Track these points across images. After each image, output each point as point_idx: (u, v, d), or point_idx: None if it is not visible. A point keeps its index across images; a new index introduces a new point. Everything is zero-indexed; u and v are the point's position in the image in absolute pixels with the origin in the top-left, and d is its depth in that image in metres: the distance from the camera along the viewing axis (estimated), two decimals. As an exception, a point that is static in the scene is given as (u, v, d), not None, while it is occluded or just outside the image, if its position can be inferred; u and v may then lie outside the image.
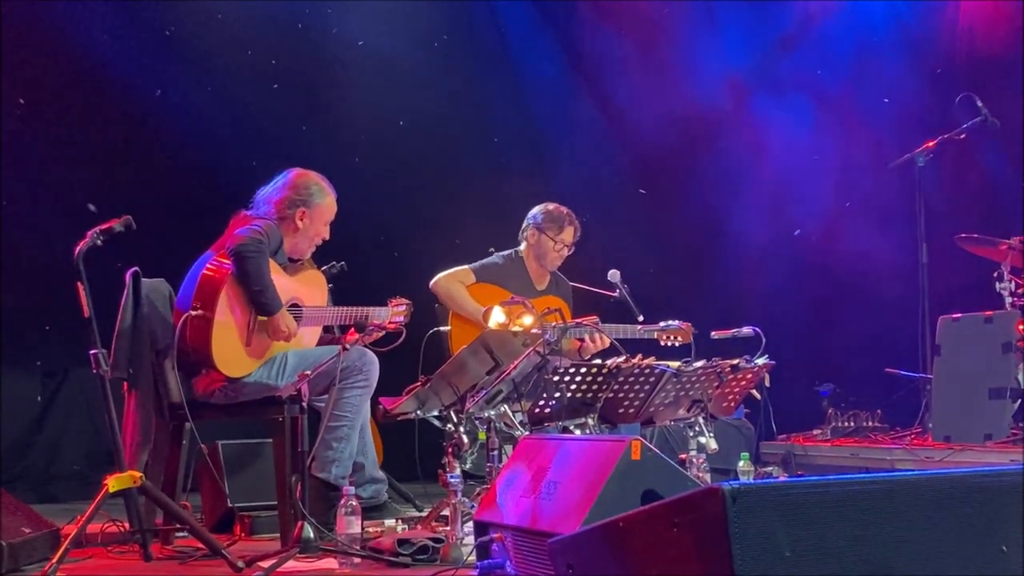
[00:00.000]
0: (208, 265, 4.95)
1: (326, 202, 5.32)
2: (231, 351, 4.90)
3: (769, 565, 2.36)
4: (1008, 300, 6.55)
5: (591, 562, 2.84)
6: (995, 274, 6.64)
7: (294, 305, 5.14)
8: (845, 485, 2.52)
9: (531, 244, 6.34)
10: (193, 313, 4.84)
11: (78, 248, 4.38)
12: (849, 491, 2.51)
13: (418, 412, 4.94)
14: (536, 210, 6.37)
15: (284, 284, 5.07)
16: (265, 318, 4.98)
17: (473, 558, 3.99)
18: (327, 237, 5.37)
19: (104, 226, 4.47)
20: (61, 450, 7.52)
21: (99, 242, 4.43)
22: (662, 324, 6.05)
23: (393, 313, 5.30)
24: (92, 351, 4.40)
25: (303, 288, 5.22)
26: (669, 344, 6.05)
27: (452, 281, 6.20)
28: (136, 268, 4.97)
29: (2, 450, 7.19)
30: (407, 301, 5.38)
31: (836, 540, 2.45)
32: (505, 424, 4.86)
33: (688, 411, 5.26)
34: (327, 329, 5.45)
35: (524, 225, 6.38)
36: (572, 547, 2.94)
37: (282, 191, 5.25)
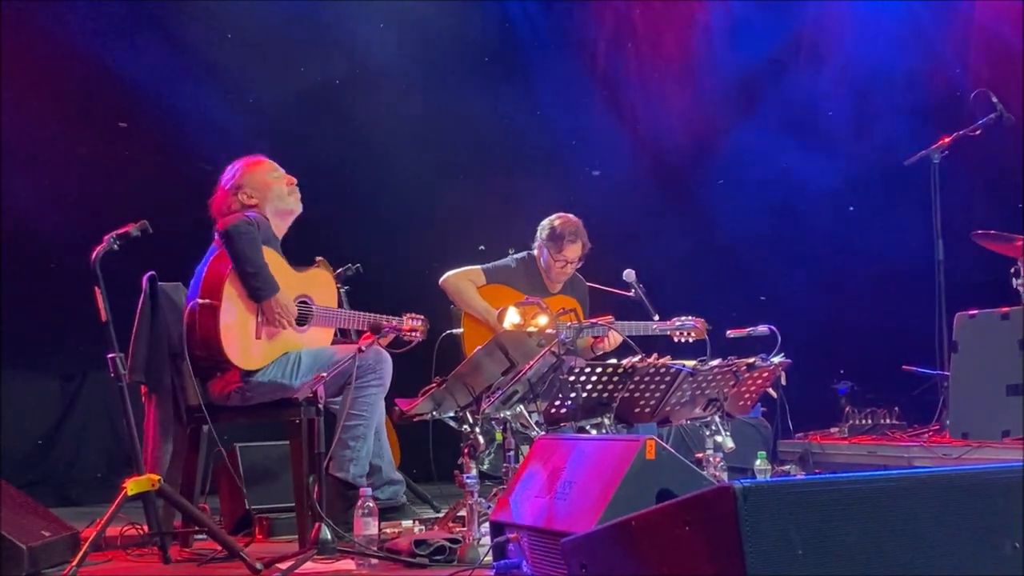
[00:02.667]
0: (213, 258, 4.97)
1: (251, 171, 5.24)
2: (240, 340, 4.90)
3: (781, 564, 2.37)
4: (1025, 296, 6.53)
5: (604, 561, 2.85)
6: (1012, 270, 6.61)
7: (303, 302, 5.13)
8: (857, 483, 2.52)
9: (539, 256, 6.38)
10: (200, 302, 4.86)
11: (95, 252, 4.41)
12: (861, 489, 2.51)
13: (434, 413, 4.95)
14: (544, 223, 6.40)
15: (292, 280, 5.07)
16: (261, 302, 4.95)
17: (490, 558, 4.00)
18: (292, 181, 5.27)
19: (121, 231, 4.50)
20: (80, 454, 7.57)
21: (116, 246, 4.47)
22: (677, 322, 6.06)
23: (409, 327, 5.30)
24: (110, 355, 4.43)
25: (312, 286, 5.20)
26: (683, 340, 6.05)
27: (462, 279, 6.22)
28: (153, 272, 4.99)
29: (22, 454, 7.24)
30: (422, 316, 5.37)
31: (848, 538, 2.45)
32: (521, 424, 4.87)
33: (704, 410, 5.25)
34: (344, 333, 5.46)
35: (536, 234, 6.41)
36: (585, 546, 2.95)
37: (219, 190, 5.24)
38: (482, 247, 6.73)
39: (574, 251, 6.30)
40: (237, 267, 4.89)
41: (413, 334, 5.26)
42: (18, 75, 7.33)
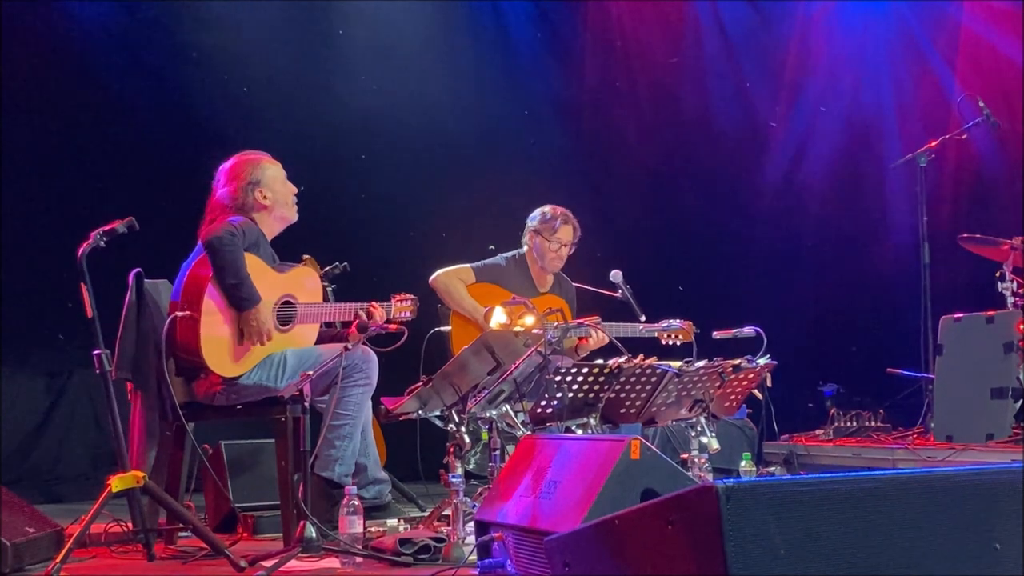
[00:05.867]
0: (195, 263, 4.96)
1: (270, 169, 5.26)
2: (221, 350, 4.89)
3: (763, 563, 2.38)
4: (1010, 300, 6.55)
5: (587, 560, 2.86)
6: (997, 274, 6.64)
7: (287, 302, 5.11)
8: (839, 483, 2.53)
9: (530, 247, 6.38)
10: (180, 314, 4.84)
11: (81, 249, 4.41)
12: (843, 489, 2.52)
13: (420, 412, 4.95)
14: (534, 213, 6.41)
15: (275, 281, 5.06)
16: (241, 312, 4.93)
17: (474, 557, 4.01)
18: (296, 190, 5.32)
19: (107, 227, 4.50)
20: (65, 450, 7.54)
21: (102, 243, 4.46)
22: (664, 324, 6.06)
23: (398, 308, 5.28)
24: (95, 351, 4.43)
25: (296, 285, 5.17)
26: (671, 343, 6.06)
27: (452, 278, 6.23)
28: (139, 269, 4.98)
29: (7, 450, 7.22)
30: (412, 296, 5.36)
31: (830, 538, 2.46)
32: (507, 424, 4.87)
33: (690, 411, 5.26)
34: (329, 324, 5.44)
35: (524, 229, 6.42)
36: (568, 545, 2.95)
37: (230, 184, 5.20)
38: (492, 247, 6.73)
39: (567, 233, 6.32)
40: (219, 279, 4.88)
41: (402, 317, 5.24)
42: (11, 72, 7.31)
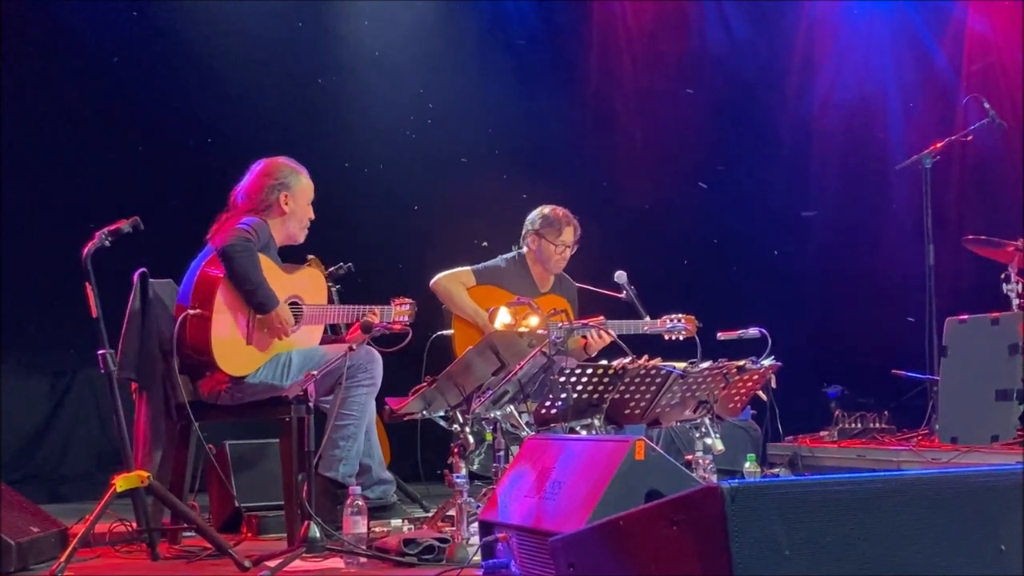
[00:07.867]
0: (205, 263, 4.97)
1: (304, 181, 5.31)
2: (232, 349, 4.91)
3: (768, 564, 2.37)
4: (1015, 302, 6.55)
5: (592, 560, 2.85)
6: (1002, 276, 6.64)
7: (294, 303, 5.12)
8: (845, 484, 2.53)
9: (532, 249, 6.34)
10: (191, 312, 4.86)
11: (86, 248, 4.41)
12: (849, 490, 2.52)
13: (424, 412, 4.95)
14: (534, 214, 6.37)
15: (283, 282, 5.07)
16: (263, 315, 4.97)
17: (478, 558, 4.01)
18: (313, 217, 5.35)
19: (112, 227, 4.50)
20: (70, 450, 7.55)
21: (107, 242, 4.46)
22: (668, 323, 6.04)
23: (397, 312, 5.28)
24: (100, 351, 4.43)
25: (302, 286, 5.19)
26: (675, 338, 6.04)
27: (452, 282, 6.21)
28: (144, 269, 4.98)
29: (11, 450, 7.23)
30: (411, 301, 5.36)
31: (836, 539, 2.46)
32: (511, 425, 4.86)
33: (694, 412, 5.25)
34: (333, 329, 5.45)
35: (524, 231, 6.38)
36: (573, 545, 2.95)
37: (259, 180, 5.22)
38: (485, 243, 6.72)
39: (570, 234, 6.29)
40: (237, 286, 4.91)
41: (403, 321, 5.24)
42: (13, 70, 7.32)
